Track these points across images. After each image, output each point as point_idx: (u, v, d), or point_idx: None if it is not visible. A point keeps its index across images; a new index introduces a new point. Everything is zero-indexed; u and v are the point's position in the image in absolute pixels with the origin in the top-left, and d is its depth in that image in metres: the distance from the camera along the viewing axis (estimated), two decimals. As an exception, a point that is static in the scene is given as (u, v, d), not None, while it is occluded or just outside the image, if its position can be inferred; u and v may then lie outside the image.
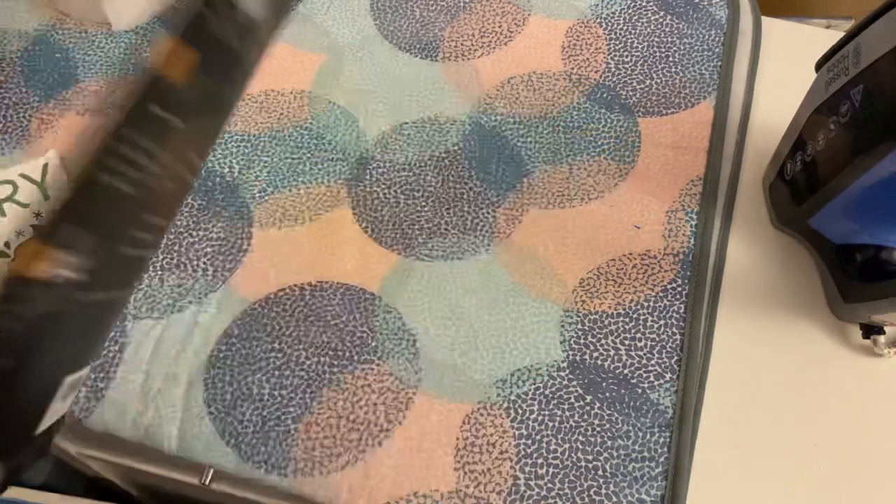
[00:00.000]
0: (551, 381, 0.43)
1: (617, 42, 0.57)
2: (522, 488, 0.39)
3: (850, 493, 0.41)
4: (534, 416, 0.42)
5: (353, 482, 0.40)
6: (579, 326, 0.44)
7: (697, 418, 0.42)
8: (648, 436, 0.41)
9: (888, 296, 0.41)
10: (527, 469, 0.40)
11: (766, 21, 0.59)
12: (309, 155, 0.51)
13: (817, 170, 0.43)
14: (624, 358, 0.43)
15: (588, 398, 0.42)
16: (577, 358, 0.43)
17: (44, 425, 0.24)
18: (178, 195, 0.27)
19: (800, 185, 0.45)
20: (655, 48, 0.57)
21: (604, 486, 0.39)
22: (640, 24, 0.58)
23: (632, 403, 0.42)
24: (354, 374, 0.43)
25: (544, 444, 0.41)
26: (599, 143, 0.52)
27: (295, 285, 0.46)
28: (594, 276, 0.46)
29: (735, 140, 0.53)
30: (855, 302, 0.44)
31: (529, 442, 0.41)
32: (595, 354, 0.43)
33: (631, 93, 0.54)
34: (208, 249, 0.47)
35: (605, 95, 0.54)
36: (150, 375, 0.42)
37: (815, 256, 0.48)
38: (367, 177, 0.50)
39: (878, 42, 0.37)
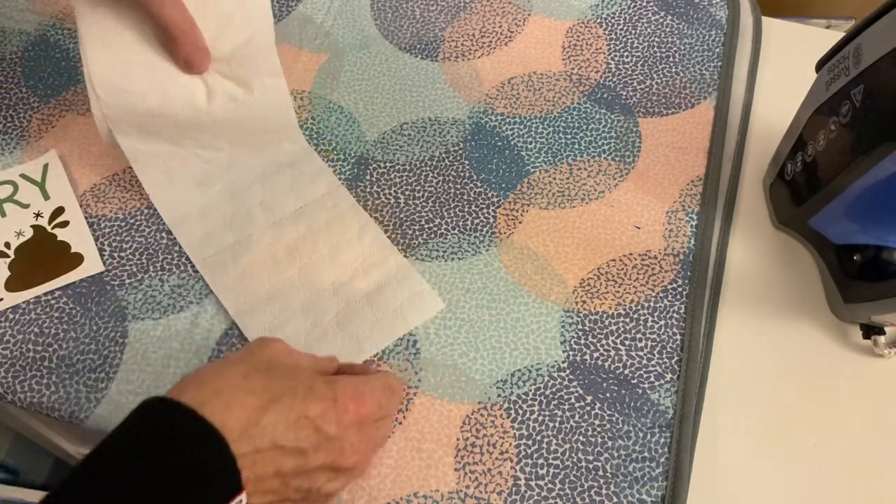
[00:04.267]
0: (552, 382, 0.43)
1: (617, 42, 0.57)
2: (523, 489, 0.39)
3: (851, 492, 0.41)
4: (534, 416, 0.42)
5: (353, 482, 0.40)
6: (579, 326, 0.44)
7: (697, 418, 0.42)
8: (649, 436, 0.41)
9: (888, 296, 0.41)
10: (527, 469, 0.40)
11: (766, 21, 0.59)
12: (309, 155, 0.51)
13: (818, 170, 0.43)
14: (624, 358, 0.43)
15: (588, 398, 0.42)
16: (578, 358, 0.43)
17: None
18: None
19: (800, 185, 0.46)
20: (655, 48, 0.57)
21: (604, 486, 0.39)
22: (640, 24, 0.58)
23: (632, 404, 0.42)
24: (355, 374, 0.43)
25: (545, 445, 0.41)
26: (599, 143, 0.52)
27: (295, 285, 0.46)
28: (594, 276, 0.46)
29: (735, 140, 0.53)
30: (855, 302, 0.44)
31: (530, 442, 0.41)
32: (595, 355, 0.43)
33: (631, 93, 0.54)
34: (208, 249, 0.47)
35: (605, 96, 0.54)
36: (151, 375, 0.42)
37: (815, 256, 0.48)
38: (367, 177, 0.50)
39: (878, 42, 0.37)
